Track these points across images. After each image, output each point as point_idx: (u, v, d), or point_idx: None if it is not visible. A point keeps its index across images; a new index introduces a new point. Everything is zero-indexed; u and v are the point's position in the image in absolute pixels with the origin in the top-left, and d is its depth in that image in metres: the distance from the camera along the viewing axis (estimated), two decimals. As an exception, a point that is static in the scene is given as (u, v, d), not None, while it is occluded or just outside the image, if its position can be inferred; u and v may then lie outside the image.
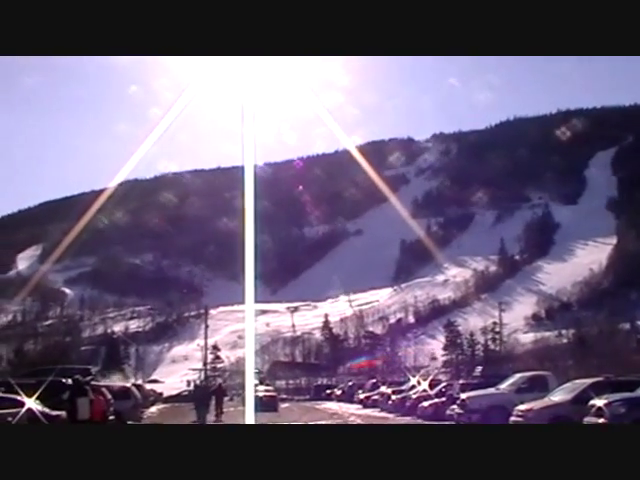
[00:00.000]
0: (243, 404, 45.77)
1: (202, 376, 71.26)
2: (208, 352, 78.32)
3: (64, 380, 17.96)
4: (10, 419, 11.18)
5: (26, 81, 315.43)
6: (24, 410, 12.42)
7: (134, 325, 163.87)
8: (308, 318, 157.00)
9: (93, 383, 24.12)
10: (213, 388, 37.76)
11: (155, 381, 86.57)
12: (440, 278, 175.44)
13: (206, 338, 74.11)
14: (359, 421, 27.52)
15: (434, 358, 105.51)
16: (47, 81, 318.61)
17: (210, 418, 30.87)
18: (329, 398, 57.68)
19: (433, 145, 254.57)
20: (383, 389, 40.45)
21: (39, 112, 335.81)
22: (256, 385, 48.93)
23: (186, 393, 61.81)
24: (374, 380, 51.31)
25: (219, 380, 50.71)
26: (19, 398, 13.73)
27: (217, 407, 33.38)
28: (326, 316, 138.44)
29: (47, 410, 13.89)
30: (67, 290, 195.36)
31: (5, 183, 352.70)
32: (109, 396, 29.46)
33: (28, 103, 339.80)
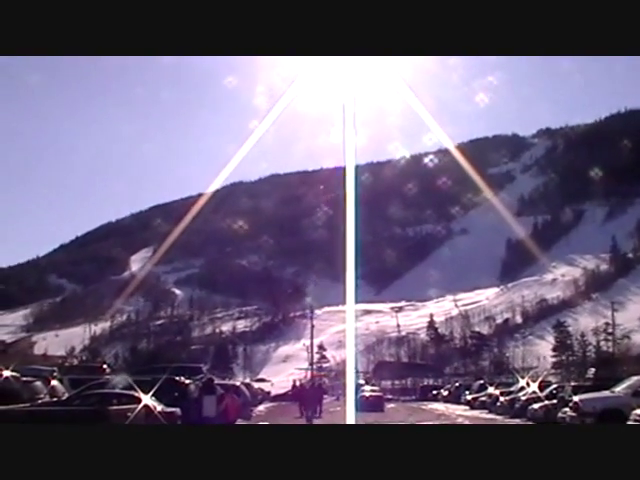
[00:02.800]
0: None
1: (308, 376, 71.98)
2: (314, 352, 79.00)
3: (178, 378, 18.63)
4: (129, 414, 11.69)
5: (130, 84, 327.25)
6: (141, 406, 12.92)
7: (241, 325, 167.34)
8: (413, 318, 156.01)
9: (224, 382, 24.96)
10: (314, 387, 38.11)
11: (262, 380, 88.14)
12: (548, 277, 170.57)
13: (312, 338, 74.78)
14: (467, 422, 27.17)
15: (543, 359, 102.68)
16: (148, 84, 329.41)
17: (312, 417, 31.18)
18: (435, 399, 57.35)
19: (539, 140, 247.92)
20: (491, 390, 39.85)
21: (142, 116, 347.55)
22: (362, 385, 49.05)
23: (292, 392, 62.61)
24: (482, 381, 50.62)
25: (319, 380, 51.09)
26: (136, 394, 14.29)
27: (317, 406, 33.66)
28: (431, 316, 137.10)
29: (162, 407, 14.43)
30: (177, 291, 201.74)
31: (119, 188, 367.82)
32: (248, 394, 30.29)
33: (131, 107, 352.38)
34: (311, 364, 76.12)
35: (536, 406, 27.80)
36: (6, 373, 13.60)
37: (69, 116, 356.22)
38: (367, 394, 43.64)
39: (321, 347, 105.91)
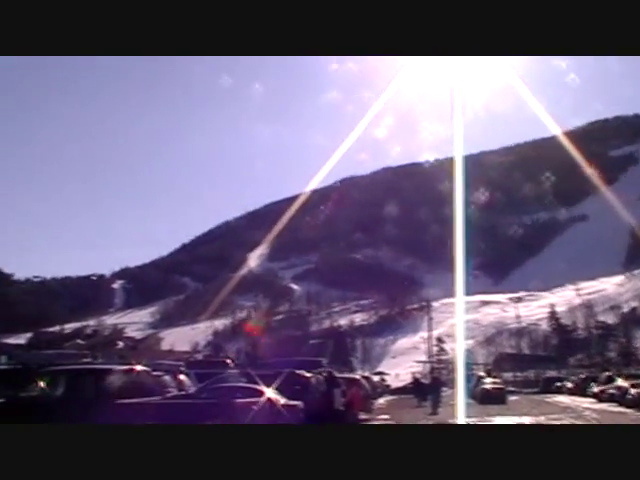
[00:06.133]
0: (470, 397, 45.44)
1: (427, 368, 71.57)
2: (432, 344, 78.42)
3: (299, 371, 19.02)
4: (253, 407, 12.07)
5: (255, 86, 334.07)
6: (264, 399, 13.30)
7: (359, 318, 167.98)
8: (532, 308, 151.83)
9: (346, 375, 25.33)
10: (431, 380, 37.94)
11: (381, 373, 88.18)
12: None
13: (430, 330, 74.28)
14: (595, 416, 26.29)
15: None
16: (274, 86, 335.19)
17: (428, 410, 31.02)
18: (559, 391, 55.86)
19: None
20: (620, 382, 38.46)
21: (252, 114, 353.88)
22: (483, 378, 48.30)
23: (412, 385, 62.42)
24: (609, 373, 48.89)
25: (438, 372, 50.61)
26: (259, 388, 14.72)
27: (437, 399, 33.59)
28: (552, 306, 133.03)
29: (285, 400, 14.79)
30: (294, 286, 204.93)
31: (234, 188, 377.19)
32: (368, 386, 30.65)
33: (238, 105, 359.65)
34: (429, 356, 75.64)
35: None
36: (138, 368, 14.31)
37: (183, 118, 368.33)
38: (488, 386, 42.96)
39: (439, 339, 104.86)
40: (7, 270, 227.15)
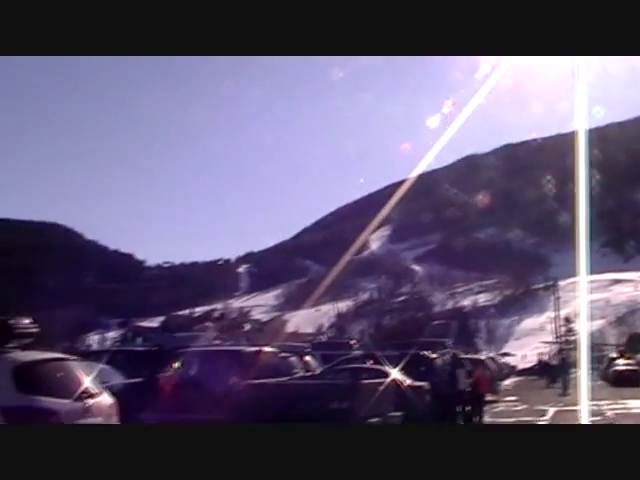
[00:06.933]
0: (601, 378, 43.92)
1: (554, 349, 69.59)
2: (559, 325, 76.07)
3: (424, 352, 19.04)
4: (378, 388, 12.20)
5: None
6: (389, 380, 13.40)
7: (482, 299, 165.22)
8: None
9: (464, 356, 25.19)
10: (560, 362, 36.96)
11: (507, 354, 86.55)
12: None
13: (557, 310, 72.14)
14: None
15: None
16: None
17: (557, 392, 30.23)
18: None
19: None
20: None
21: (393, 97, 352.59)
22: (615, 359, 46.57)
23: (539, 367, 60.94)
24: None
25: (566, 353, 49.06)
26: (384, 369, 14.86)
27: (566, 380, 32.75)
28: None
29: (410, 381, 14.88)
30: (416, 267, 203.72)
31: (359, 169, 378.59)
32: (494, 368, 30.40)
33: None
34: (557, 337, 73.44)
35: None
36: (266, 349, 14.75)
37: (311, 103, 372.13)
38: (621, 368, 41.39)
39: (567, 319, 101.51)
40: (139, 257, 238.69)
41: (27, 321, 8.51)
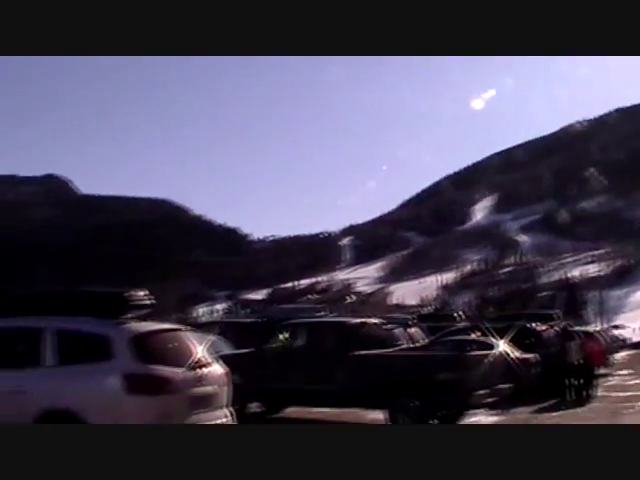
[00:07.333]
0: None
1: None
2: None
3: (531, 325, 18.62)
4: (487, 360, 12.05)
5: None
6: (496, 352, 13.20)
7: (592, 270, 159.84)
8: None
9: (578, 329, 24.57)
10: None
11: (619, 327, 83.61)
12: None
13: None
14: None
15: None
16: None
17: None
18: None
19: None
20: None
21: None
22: None
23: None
24: None
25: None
26: (491, 341, 14.63)
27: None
28: None
29: (518, 353, 14.59)
30: (522, 237, 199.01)
31: (460, 139, 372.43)
32: (605, 340, 29.58)
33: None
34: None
35: None
36: (371, 320, 14.79)
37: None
38: None
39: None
40: (244, 231, 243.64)
41: (142, 293, 8.85)
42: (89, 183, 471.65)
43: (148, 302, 8.91)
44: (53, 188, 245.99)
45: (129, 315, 8.57)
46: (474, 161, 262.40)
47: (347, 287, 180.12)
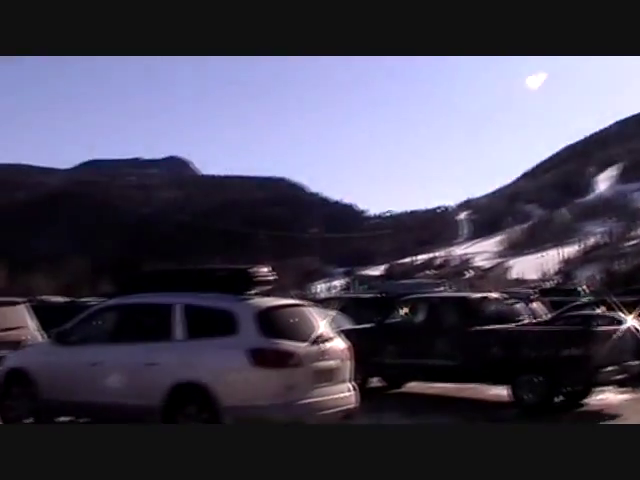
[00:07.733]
0: None
1: None
2: None
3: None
4: (616, 335, 11.65)
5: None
6: (624, 327, 12.75)
7: None
8: None
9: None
10: None
11: None
12: None
13: None
14: None
15: None
16: None
17: None
18: None
19: None
20: None
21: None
22: None
23: None
24: None
25: None
26: (619, 316, 14.11)
27: None
28: None
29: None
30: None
31: (580, 109, 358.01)
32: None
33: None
34: None
35: None
36: (492, 295, 14.62)
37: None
38: None
39: None
40: (360, 207, 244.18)
41: (266, 270, 9.12)
42: (207, 164, 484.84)
43: (271, 278, 9.17)
44: (175, 169, 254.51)
45: (253, 291, 8.84)
46: (592, 131, 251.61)
47: (465, 262, 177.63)
